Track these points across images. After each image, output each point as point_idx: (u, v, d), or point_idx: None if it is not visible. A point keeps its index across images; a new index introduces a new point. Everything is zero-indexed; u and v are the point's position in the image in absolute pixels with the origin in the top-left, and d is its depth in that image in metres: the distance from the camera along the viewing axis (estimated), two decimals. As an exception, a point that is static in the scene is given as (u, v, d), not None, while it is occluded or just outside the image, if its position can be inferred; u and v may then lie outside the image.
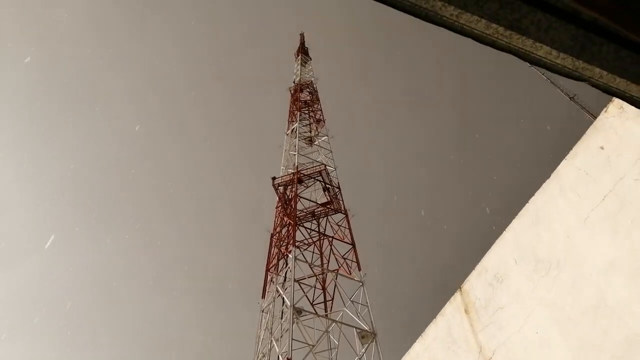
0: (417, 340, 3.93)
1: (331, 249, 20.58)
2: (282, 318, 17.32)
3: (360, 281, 18.86)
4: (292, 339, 15.06)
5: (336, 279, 19.51)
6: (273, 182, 23.44)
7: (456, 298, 3.63)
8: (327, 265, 20.13)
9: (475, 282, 3.48)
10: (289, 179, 23.47)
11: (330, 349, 17.32)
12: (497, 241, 3.41)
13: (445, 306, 3.71)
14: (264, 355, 16.28)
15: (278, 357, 15.73)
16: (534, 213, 3.20)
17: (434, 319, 3.81)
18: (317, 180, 23.23)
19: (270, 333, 16.80)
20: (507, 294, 3.19)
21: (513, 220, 3.34)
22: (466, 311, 3.47)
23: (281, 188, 23.32)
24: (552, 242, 3.00)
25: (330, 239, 20.99)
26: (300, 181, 23.20)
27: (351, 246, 20.61)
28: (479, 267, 3.49)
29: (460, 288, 3.62)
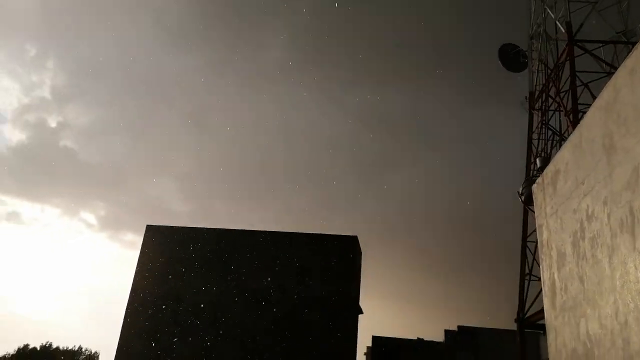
0: None
1: None
2: (553, -18, 15.47)
3: None
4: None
5: None
6: None
7: None
8: None
9: None
10: None
11: (620, 1, 15.10)
12: None
13: None
14: (538, 26, 15.47)
15: (555, 23, 14.73)
16: None
17: None
18: None
19: (542, 1, 15.48)
20: None
21: None
22: None
23: None
24: None
25: None
26: None
27: None
28: None
29: None
